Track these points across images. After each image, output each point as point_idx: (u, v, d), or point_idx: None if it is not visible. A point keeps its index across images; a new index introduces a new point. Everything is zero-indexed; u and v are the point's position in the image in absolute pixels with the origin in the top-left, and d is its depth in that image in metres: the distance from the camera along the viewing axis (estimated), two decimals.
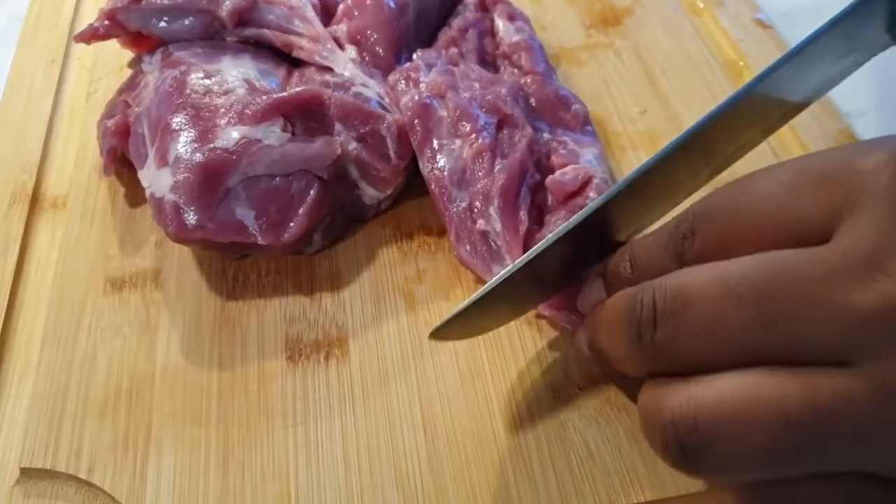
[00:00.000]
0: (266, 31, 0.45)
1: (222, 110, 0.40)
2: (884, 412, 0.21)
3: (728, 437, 0.23)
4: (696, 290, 0.24)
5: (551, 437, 0.35)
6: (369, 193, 0.42)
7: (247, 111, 0.40)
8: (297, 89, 0.41)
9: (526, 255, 0.31)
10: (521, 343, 0.38)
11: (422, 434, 0.35)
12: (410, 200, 0.44)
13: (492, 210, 0.39)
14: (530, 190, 0.40)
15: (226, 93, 0.41)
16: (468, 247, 0.39)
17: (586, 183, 0.40)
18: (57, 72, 0.54)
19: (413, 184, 0.44)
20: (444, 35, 0.49)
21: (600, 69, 0.51)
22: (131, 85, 0.46)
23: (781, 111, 0.32)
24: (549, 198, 0.41)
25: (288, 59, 0.46)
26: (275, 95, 0.40)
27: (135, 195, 0.46)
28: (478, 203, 0.39)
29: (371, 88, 0.42)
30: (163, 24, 0.45)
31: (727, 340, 0.23)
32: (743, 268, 0.23)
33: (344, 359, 0.38)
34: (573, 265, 0.33)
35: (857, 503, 0.23)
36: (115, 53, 0.54)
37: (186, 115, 0.40)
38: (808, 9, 0.55)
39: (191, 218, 0.38)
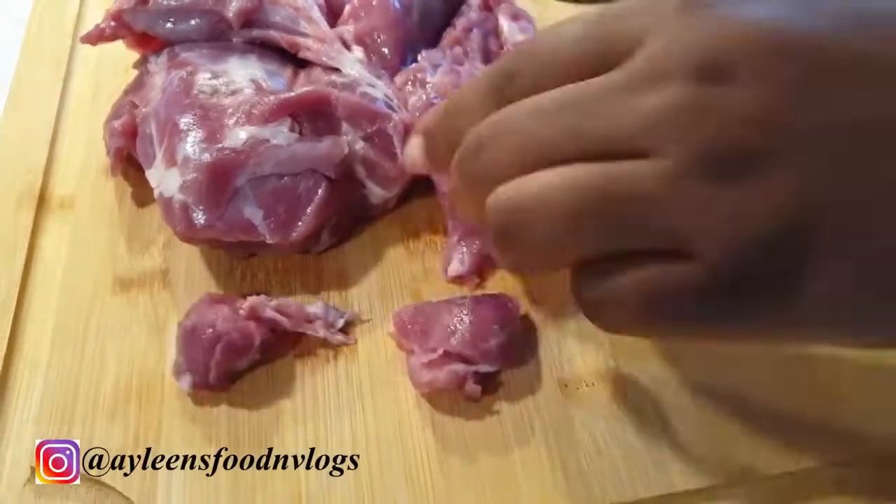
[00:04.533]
0: (272, 32, 0.45)
1: (230, 110, 0.40)
2: (666, 193, 0.24)
3: (533, 214, 0.26)
4: (511, 116, 0.27)
5: (559, 434, 0.35)
6: (376, 192, 0.42)
7: (254, 111, 0.40)
8: (304, 89, 0.41)
9: None
10: (529, 340, 0.38)
11: (430, 431, 0.36)
12: (417, 199, 0.45)
13: None
14: None
15: (233, 93, 0.41)
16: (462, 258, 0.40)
17: None
18: (62, 73, 0.54)
19: (419, 183, 0.44)
20: (448, 35, 0.49)
21: None
22: (137, 86, 0.46)
23: None
24: None
25: (294, 60, 0.46)
26: (282, 96, 0.41)
27: (142, 195, 0.46)
28: None
29: (378, 88, 0.43)
30: (169, 24, 0.45)
31: (536, 150, 0.26)
32: (552, 92, 0.27)
33: (352, 357, 0.39)
34: None
35: (655, 279, 0.25)
36: (121, 54, 0.54)
37: (194, 115, 0.40)
38: None
39: (199, 217, 0.38)
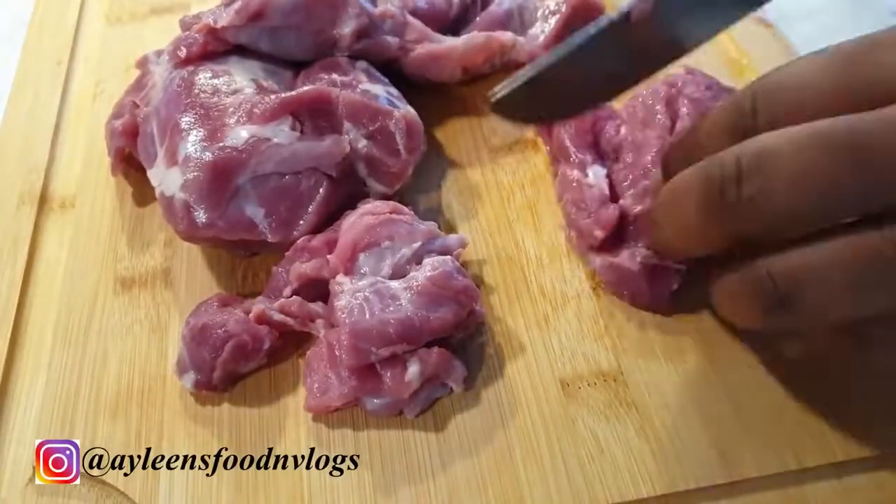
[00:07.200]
0: (383, 38, 0.45)
1: (231, 109, 0.40)
2: None
3: (815, 290, 0.24)
4: (782, 144, 0.24)
5: (561, 433, 0.35)
6: (377, 190, 0.42)
7: (255, 110, 0.40)
8: (305, 88, 0.41)
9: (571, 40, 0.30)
10: (530, 340, 0.38)
11: (433, 429, 0.36)
12: (418, 197, 0.44)
13: None
14: None
15: (234, 92, 0.41)
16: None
17: None
18: (63, 72, 0.54)
19: (419, 180, 0.44)
20: None
21: None
22: (139, 86, 0.46)
23: None
24: None
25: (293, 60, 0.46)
26: (283, 94, 0.41)
27: (143, 194, 0.46)
28: None
29: (379, 86, 0.43)
30: (273, 41, 0.44)
31: (818, 190, 0.24)
32: (833, 122, 0.24)
33: None
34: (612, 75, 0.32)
35: None
36: (122, 54, 0.54)
37: (195, 114, 0.40)
38: (808, 7, 0.56)
39: (201, 216, 0.38)
